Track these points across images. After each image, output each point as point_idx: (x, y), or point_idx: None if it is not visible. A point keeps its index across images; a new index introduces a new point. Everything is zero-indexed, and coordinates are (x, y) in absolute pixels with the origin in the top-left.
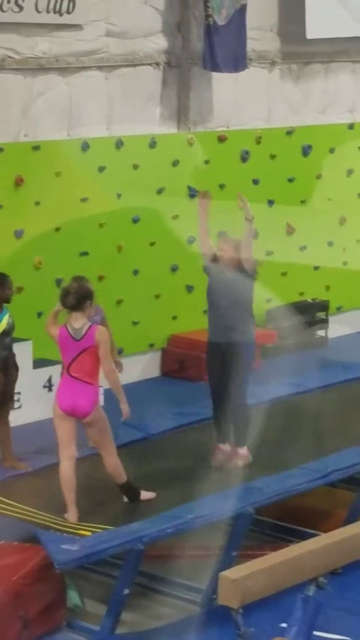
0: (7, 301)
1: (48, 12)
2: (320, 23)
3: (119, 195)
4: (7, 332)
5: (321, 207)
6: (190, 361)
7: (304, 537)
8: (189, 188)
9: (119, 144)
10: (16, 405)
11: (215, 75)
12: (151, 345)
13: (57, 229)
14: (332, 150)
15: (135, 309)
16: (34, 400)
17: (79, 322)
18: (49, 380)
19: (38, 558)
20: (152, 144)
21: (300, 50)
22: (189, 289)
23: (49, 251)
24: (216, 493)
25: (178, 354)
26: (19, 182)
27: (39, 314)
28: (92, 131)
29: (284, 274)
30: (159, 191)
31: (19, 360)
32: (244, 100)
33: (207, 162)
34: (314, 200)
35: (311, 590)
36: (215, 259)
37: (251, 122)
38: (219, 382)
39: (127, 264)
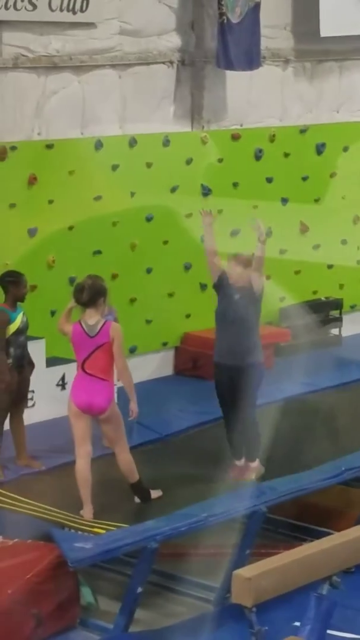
0: (22, 300)
1: (62, 10)
2: (334, 21)
3: (132, 194)
4: (22, 330)
5: (335, 206)
6: (203, 360)
7: (318, 535)
8: (203, 186)
9: (133, 142)
10: (30, 403)
11: (229, 73)
12: (164, 344)
13: (71, 228)
14: (346, 149)
15: (148, 307)
16: (48, 399)
17: (93, 318)
18: (62, 378)
19: (52, 556)
20: (166, 143)
21: (314, 48)
22: (203, 287)
23: (63, 250)
24: (229, 492)
25: (191, 353)
26: (32, 180)
27: (52, 313)
28: (106, 129)
29: (297, 273)
30: (173, 190)
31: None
32: (257, 98)
33: (220, 160)
34: (327, 198)
35: (325, 589)
36: (223, 278)
37: (265, 120)
38: (229, 402)
39: (140, 263)
